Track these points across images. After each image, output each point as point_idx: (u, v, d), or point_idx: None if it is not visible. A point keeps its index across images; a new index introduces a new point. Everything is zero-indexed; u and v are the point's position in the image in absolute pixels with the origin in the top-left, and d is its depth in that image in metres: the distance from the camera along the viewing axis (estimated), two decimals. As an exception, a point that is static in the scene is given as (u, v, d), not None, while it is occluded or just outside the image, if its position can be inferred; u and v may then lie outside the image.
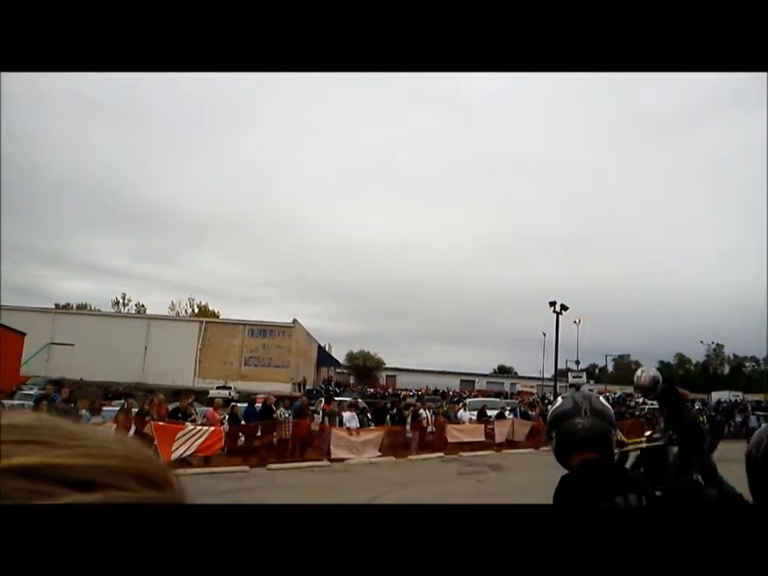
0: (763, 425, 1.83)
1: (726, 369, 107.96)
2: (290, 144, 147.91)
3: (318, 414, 19.85)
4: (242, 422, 17.38)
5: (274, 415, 17.55)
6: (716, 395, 70.42)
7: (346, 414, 19.56)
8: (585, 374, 75.74)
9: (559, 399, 2.50)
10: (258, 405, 18.47)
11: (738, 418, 39.49)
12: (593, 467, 2.26)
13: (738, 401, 62.52)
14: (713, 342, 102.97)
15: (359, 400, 24.75)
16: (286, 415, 17.81)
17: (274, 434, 17.18)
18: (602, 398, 2.45)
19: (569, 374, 65.49)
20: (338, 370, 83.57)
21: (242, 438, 16.69)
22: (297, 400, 21.17)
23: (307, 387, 52.82)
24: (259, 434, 16.93)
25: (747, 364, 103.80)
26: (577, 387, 50.80)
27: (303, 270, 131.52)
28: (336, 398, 24.70)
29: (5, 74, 0.96)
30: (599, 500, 2.17)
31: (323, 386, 58.41)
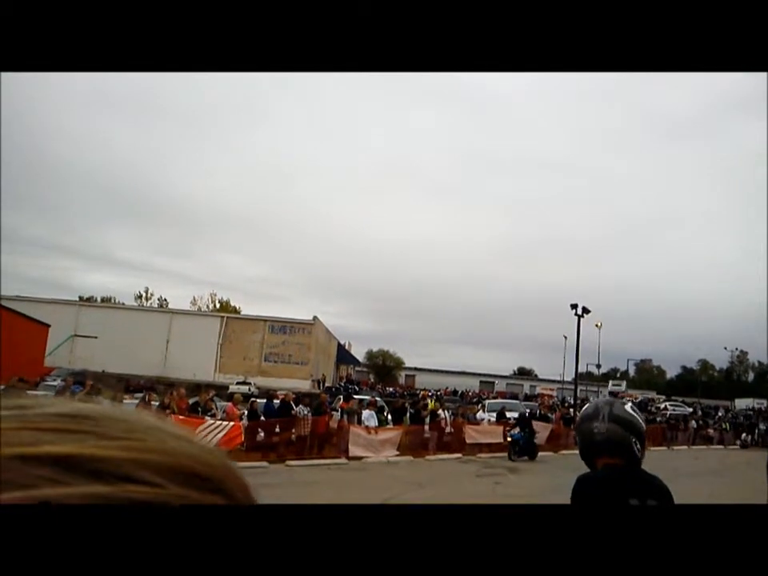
0: None
1: (751, 376, 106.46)
2: (309, 144, 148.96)
3: (337, 411, 19.87)
4: (261, 418, 17.46)
5: (293, 412, 17.61)
6: (740, 402, 69.60)
7: (365, 413, 19.56)
8: (624, 382, 75.38)
9: (587, 404, 2.65)
10: (277, 401, 18.54)
11: (763, 426, 38.93)
12: (611, 470, 2.29)
13: (763, 408, 61.68)
14: (737, 349, 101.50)
15: (377, 399, 24.73)
16: (305, 412, 17.87)
17: (293, 430, 17.25)
18: (628, 406, 2.45)
19: (609, 381, 65.48)
20: (357, 369, 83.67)
21: (261, 434, 16.77)
22: (316, 397, 21.22)
23: (326, 385, 52.95)
24: (278, 430, 17.01)
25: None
26: (615, 395, 50.58)
27: (324, 269, 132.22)
28: (355, 396, 24.72)
29: (8, 74, 0.96)
30: (613, 500, 2.19)
31: (342, 384, 58.54)
